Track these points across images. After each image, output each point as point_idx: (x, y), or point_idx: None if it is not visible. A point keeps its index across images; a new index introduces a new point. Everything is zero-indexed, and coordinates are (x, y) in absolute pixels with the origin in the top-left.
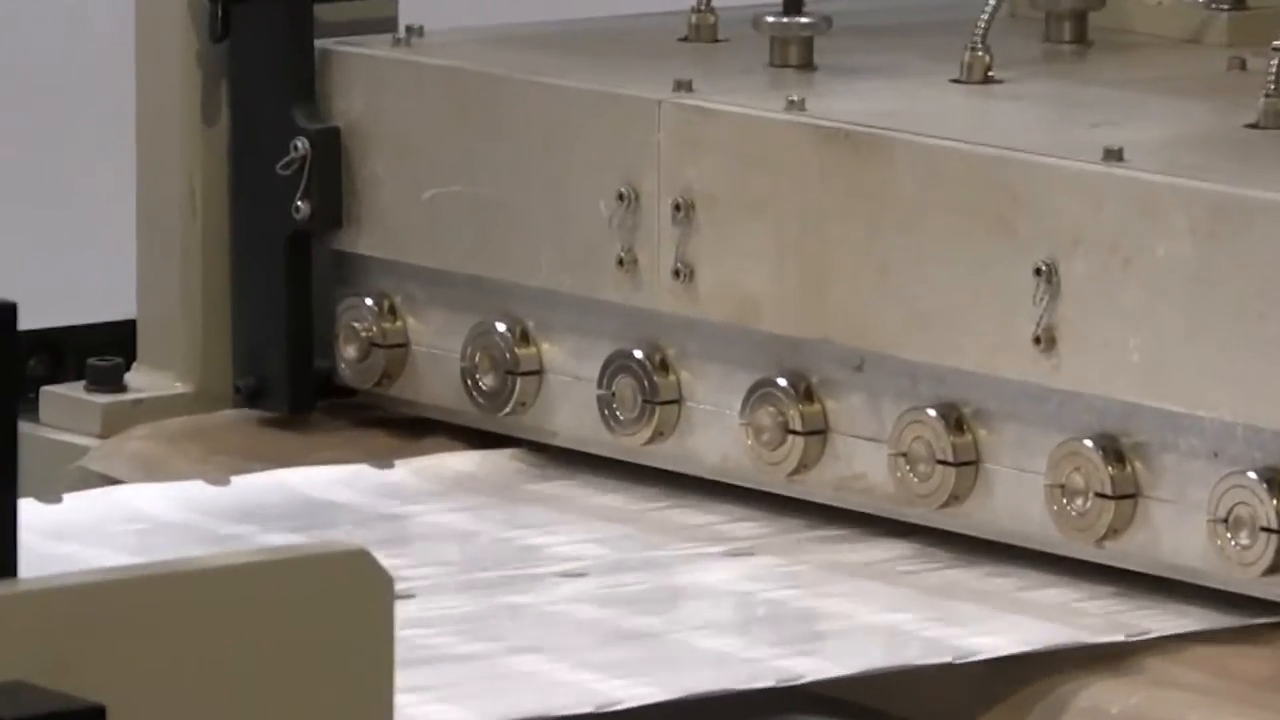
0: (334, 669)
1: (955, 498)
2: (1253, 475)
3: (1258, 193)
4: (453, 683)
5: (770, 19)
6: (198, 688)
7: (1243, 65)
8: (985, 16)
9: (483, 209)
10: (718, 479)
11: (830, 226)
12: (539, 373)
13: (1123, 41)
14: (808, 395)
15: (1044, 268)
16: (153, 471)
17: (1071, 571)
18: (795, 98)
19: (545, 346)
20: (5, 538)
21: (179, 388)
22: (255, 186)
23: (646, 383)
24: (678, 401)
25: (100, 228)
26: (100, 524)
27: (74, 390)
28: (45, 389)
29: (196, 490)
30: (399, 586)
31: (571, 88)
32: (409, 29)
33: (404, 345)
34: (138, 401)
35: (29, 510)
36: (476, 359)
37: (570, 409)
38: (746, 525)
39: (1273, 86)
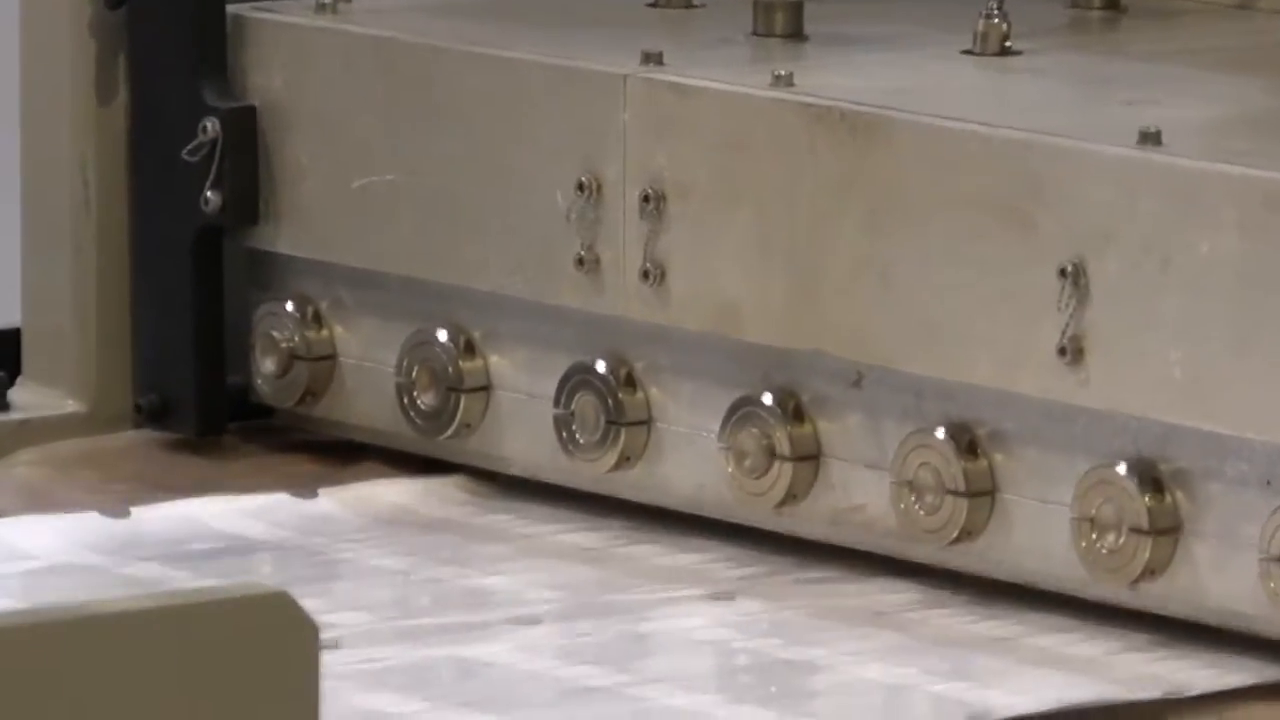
0: None
1: (968, 533)
2: None
3: None
4: None
5: None
6: None
7: None
8: None
9: (420, 201)
10: (693, 512)
11: (823, 221)
12: (486, 389)
13: (1161, 7)
14: (797, 415)
15: (1070, 269)
16: (41, 502)
17: (1102, 618)
18: (782, 72)
19: (493, 359)
20: None
21: (71, 406)
22: (158, 175)
23: (610, 401)
24: (647, 422)
25: None
26: None
27: None
28: None
29: (90, 524)
30: (324, 634)
31: (523, 61)
32: None
33: (330, 358)
34: (24, 422)
35: None
36: (414, 374)
37: (523, 431)
38: (726, 565)
39: None
